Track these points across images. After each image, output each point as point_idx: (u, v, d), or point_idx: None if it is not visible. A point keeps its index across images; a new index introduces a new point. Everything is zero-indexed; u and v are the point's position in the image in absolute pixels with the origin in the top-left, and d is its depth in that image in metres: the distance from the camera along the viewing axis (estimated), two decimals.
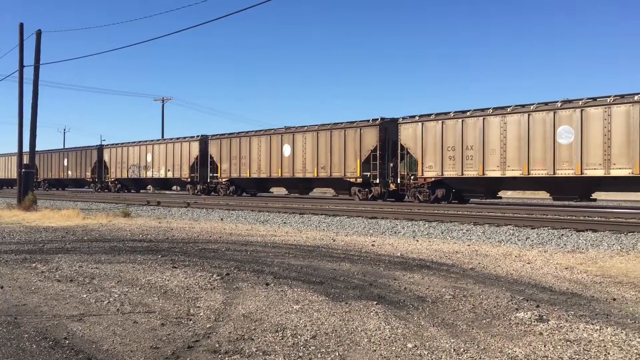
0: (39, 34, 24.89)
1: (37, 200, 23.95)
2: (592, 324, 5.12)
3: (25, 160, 25.26)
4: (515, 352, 4.35)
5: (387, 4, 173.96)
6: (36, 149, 25.99)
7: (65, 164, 51.63)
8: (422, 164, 25.67)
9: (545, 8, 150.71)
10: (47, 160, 53.87)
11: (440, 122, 25.08)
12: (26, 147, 24.93)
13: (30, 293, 6.45)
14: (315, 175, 30.42)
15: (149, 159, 42.39)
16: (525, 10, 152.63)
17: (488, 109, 23.71)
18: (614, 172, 19.85)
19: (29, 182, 24.82)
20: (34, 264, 8.48)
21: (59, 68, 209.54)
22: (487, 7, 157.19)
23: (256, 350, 4.36)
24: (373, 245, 11.09)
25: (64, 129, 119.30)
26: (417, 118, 26.22)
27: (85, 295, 6.30)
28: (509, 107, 23.07)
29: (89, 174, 48.61)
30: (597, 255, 9.62)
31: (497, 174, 23.07)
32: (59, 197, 35.49)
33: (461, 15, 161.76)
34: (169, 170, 40.54)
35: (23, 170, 24.48)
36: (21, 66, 24.59)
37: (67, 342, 4.56)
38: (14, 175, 45.31)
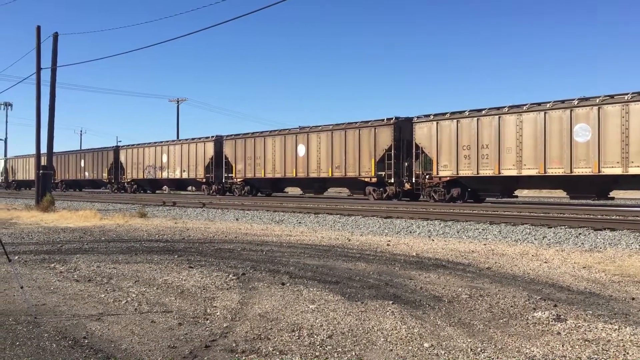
0: (55, 36, 25.18)
1: (55, 201, 24.22)
2: (611, 324, 5.07)
3: (43, 161, 25.59)
4: (533, 352, 4.33)
5: (402, 3, 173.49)
6: (54, 151, 26.29)
7: (82, 165, 52.16)
8: (437, 163, 25.56)
9: (560, 6, 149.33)
10: (64, 162, 54.46)
11: (455, 121, 24.96)
12: (44, 149, 25.25)
13: (50, 293, 6.52)
14: (330, 175, 30.42)
15: (165, 159, 42.67)
16: (541, 8, 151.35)
17: (504, 107, 23.56)
18: (632, 170, 19.62)
19: (47, 184, 25.13)
20: (52, 264, 8.58)
21: (75, 70, 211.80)
22: (501, 6, 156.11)
23: (273, 350, 4.38)
24: (388, 244, 11.07)
25: (81, 131, 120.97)
26: (432, 117, 26.12)
27: (103, 295, 6.37)
28: (525, 105, 22.90)
29: (105, 174, 49.06)
30: (615, 254, 9.52)
31: (513, 172, 22.91)
32: (76, 198, 35.87)
33: (476, 14, 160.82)
34: (184, 170, 40.77)
35: (41, 171, 24.79)
36: (38, 69, 24.88)
37: (87, 341, 4.62)
38: (32, 176, 45.82)
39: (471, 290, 6.51)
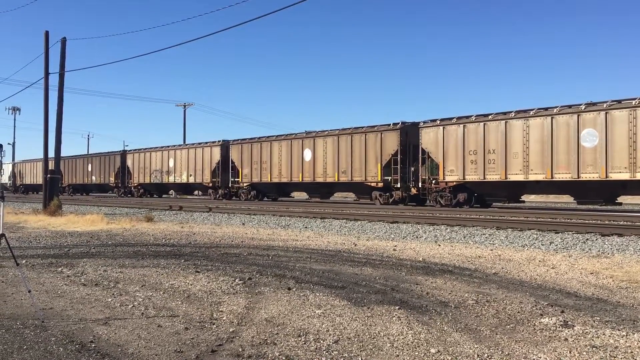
0: (63, 41, 25.30)
1: (62, 205, 24.32)
2: (619, 330, 5.04)
3: (51, 165, 25.66)
4: (540, 358, 4.31)
5: (410, 8, 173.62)
6: (61, 155, 26.41)
7: (90, 169, 52.36)
8: (444, 168, 25.52)
9: (567, 11, 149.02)
10: (71, 166, 54.68)
11: (461, 125, 24.93)
12: (52, 153, 25.34)
13: (57, 297, 6.55)
14: (336, 179, 30.42)
15: (171, 163, 42.78)
16: (547, 12, 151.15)
17: (510, 112, 23.51)
18: None
19: (54, 188, 25.22)
20: (59, 268, 8.61)
21: (83, 75, 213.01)
22: (507, 11, 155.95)
23: (279, 355, 4.38)
24: (395, 249, 11.05)
25: (88, 135, 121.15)
26: (439, 122, 26.09)
27: (110, 299, 6.39)
28: (532, 110, 22.84)
29: (112, 179, 49.22)
30: (623, 260, 9.47)
31: (519, 177, 22.84)
32: (83, 202, 36.01)
33: (482, 19, 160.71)
34: (190, 175, 40.87)
35: (48, 175, 24.88)
36: (46, 73, 25.02)
37: (93, 345, 4.63)
38: (40, 180, 46.04)
39: (478, 296, 6.49)
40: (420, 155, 26.82)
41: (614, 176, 20.16)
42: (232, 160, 37.63)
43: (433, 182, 26.32)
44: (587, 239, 12.39)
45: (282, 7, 15.73)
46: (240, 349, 4.52)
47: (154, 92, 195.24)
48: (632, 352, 4.44)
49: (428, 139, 26.39)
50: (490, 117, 24.04)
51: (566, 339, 4.80)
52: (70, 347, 4.59)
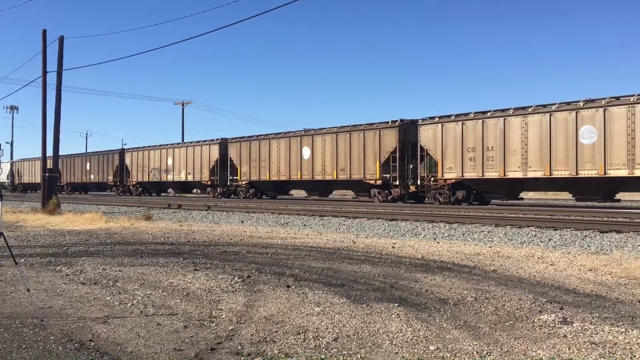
0: (61, 40, 25.26)
1: (61, 204, 24.28)
2: (618, 327, 5.05)
3: (49, 164, 25.62)
4: (539, 354, 4.31)
5: (408, 7, 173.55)
6: (59, 154, 26.36)
7: (88, 168, 52.29)
8: (442, 165, 25.52)
9: (565, 9, 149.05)
10: (70, 165, 54.59)
11: (460, 123, 24.91)
12: (50, 152, 25.29)
13: (56, 296, 6.55)
14: (335, 177, 30.42)
15: (170, 162, 42.75)
16: (546, 11, 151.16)
17: (509, 109, 23.50)
18: (639, 172, 19.53)
19: (53, 186, 25.19)
20: (58, 267, 8.61)
21: (81, 73, 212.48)
22: (506, 9, 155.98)
23: (278, 353, 4.38)
24: (393, 247, 11.05)
25: (87, 134, 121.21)
26: (437, 119, 26.08)
27: (109, 298, 6.38)
28: (530, 107, 22.84)
29: (111, 177, 49.17)
30: (621, 256, 9.48)
31: (518, 174, 22.85)
32: (82, 201, 35.97)
33: (480, 17, 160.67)
34: (189, 173, 40.84)
35: (47, 174, 24.84)
36: (44, 72, 24.96)
37: (93, 344, 4.63)
38: (38, 179, 45.91)
39: (477, 293, 6.49)
40: (419, 152, 26.81)
41: (613, 173, 20.17)
42: (230, 159, 37.61)
43: (432, 179, 26.31)
44: (586, 236, 12.40)
45: (280, 5, 15.74)
46: (239, 347, 4.52)
47: (153, 90, 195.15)
48: (630, 348, 4.45)
49: (427, 137, 26.38)
50: (488, 114, 24.03)
51: (565, 336, 4.81)
52: (70, 345, 4.58)
